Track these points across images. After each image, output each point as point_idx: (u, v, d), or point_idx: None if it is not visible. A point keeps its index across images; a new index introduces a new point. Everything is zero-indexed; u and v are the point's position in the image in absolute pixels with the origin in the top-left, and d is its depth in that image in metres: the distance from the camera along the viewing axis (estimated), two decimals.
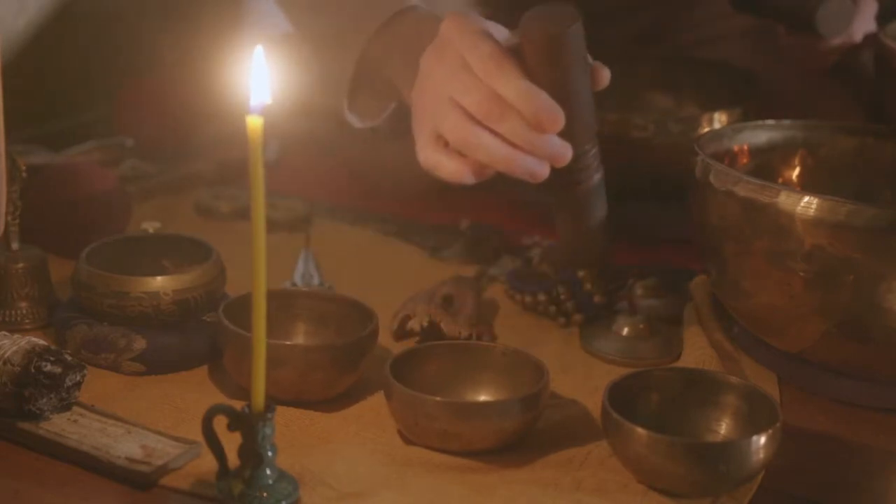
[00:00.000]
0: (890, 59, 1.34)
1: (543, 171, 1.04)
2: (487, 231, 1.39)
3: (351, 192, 1.49)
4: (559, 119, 1.02)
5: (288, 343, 1.10)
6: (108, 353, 1.11)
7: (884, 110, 1.37)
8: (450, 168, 1.05)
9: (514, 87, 1.01)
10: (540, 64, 1.03)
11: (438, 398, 1.00)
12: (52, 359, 1.02)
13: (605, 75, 1.08)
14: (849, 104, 1.43)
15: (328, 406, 1.07)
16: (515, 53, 1.04)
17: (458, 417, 0.99)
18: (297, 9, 1.29)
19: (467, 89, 1.03)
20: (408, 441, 1.02)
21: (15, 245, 1.18)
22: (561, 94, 1.03)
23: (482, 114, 1.02)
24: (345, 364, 1.07)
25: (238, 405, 0.93)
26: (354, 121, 1.26)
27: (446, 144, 1.05)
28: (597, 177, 1.11)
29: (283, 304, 1.13)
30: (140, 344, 1.11)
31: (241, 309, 1.07)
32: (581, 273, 1.23)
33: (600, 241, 1.11)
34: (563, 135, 1.04)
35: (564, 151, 1.04)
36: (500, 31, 1.10)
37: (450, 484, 0.98)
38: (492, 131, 1.03)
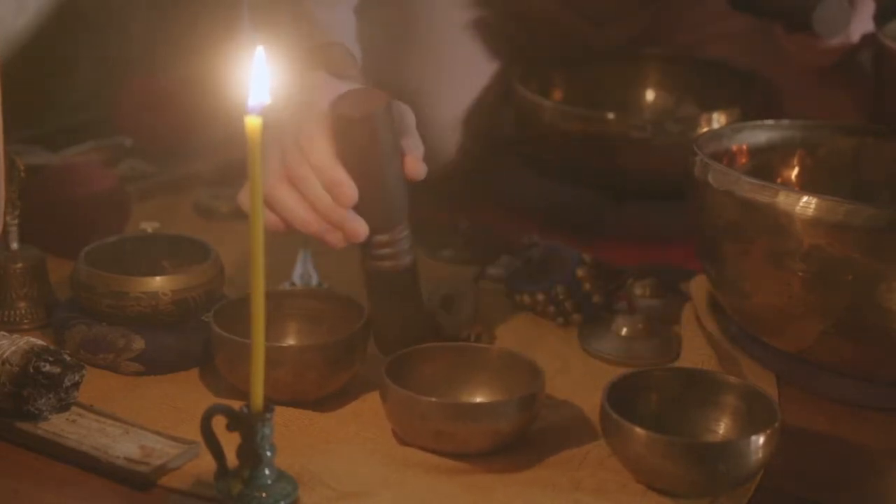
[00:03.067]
0: (888, 58, 1.34)
1: (337, 241, 1.08)
2: (486, 231, 1.39)
3: None
4: (350, 194, 1.06)
5: (283, 345, 1.10)
6: (107, 353, 1.11)
7: (883, 110, 1.37)
8: (267, 219, 1.08)
9: (317, 156, 1.06)
10: (342, 144, 1.06)
11: (433, 399, 1.00)
12: (50, 359, 1.02)
13: (416, 168, 1.10)
14: (848, 104, 1.43)
15: (327, 406, 1.07)
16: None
17: (451, 418, 0.99)
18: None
19: (289, 151, 1.07)
20: (404, 442, 1.02)
21: (14, 245, 1.18)
22: (360, 174, 1.06)
23: (290, 174, 1.07)
24: (339, 361, 1.07)
25: (237, 405, 0.92)
26: None
27: None
28: (404, 262, 1.10)
29: (275, 304, 1.12)
30: (139, 344, 1.11)
31: (233, 312, 1.07)
32: (580, 272, 1.23)
33: (411, 329, 1.10)
34: (364, 214, 1.07)
35: (358, 228, 1.07)
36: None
37: (448, 484, 0.98)
38: (302, 196, 1.07)
